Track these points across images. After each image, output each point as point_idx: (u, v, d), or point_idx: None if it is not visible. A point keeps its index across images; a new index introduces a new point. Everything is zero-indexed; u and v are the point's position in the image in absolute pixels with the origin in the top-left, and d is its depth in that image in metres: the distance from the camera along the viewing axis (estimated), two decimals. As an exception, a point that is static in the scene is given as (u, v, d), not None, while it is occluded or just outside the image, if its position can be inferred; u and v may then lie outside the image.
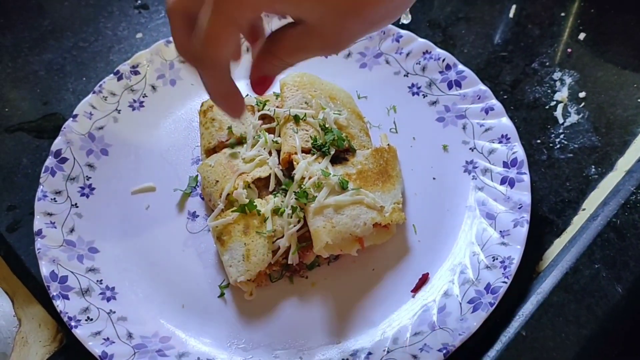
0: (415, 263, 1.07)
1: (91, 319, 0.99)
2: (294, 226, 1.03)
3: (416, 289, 1.04)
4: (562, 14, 1.42)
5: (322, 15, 0.66)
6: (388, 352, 0.96)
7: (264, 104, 1.18)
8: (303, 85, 1.19)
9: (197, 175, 1.19)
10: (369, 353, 0.97)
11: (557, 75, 1.32)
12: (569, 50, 1.36)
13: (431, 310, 0.99)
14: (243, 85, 1.30)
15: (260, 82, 0.79)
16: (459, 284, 1.01)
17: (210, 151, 1.18)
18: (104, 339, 0.97)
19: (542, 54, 1.36)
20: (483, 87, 1.21)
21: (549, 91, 1.30)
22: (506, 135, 1.14)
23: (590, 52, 1.35)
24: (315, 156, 1.09)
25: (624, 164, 1.17)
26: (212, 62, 0.71)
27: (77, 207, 1.13)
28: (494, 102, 1.18)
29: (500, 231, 1.04)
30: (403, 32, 1.30)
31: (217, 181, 1.10)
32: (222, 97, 0.80)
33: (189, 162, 1.22)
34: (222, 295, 1.06)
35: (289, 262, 1.03)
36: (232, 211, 1.05)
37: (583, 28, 1.39)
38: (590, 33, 1.38)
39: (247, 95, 1.24)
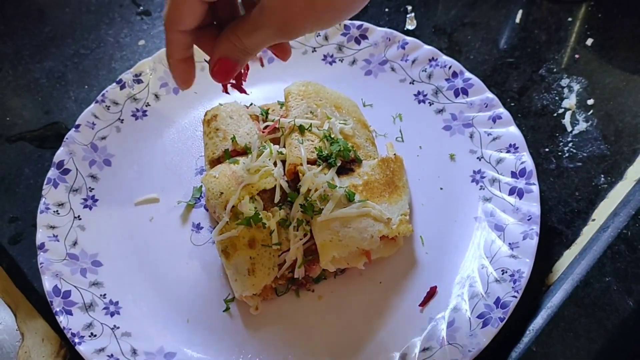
0: (423, 276, 1.05)
1: (95, 335, 0.98)
2: (300, 239, 1.02)
3: (424, 303, 1.02)
4: (569, 19, 1.40)
5: None
6: (396, 367, 0.95)
7: (267, 114, 1.17)
8: (308, 94, 1.18)
9: (201, 186, 1.18)
10: (377, 368, 0.96)
11: (564, 81, 1.30)
12: (577, 55, 1.34)
13: (440, 325, 0.98)
14: (243, 96, 1.30)
15: (221, 66, 0.82)
16: (468, 298, 1.00)
17: (214, 162, 1.16)
18: (108, 356, 0.96)
19: (549, 60, 1.34)
20: (490, 95, 1.19)
21: (556, 98, 1.28)
22: (514, 144, 1.13)
23: (598, 58, 1.34)
24: (321, 167, 1.08)
25: (633, 172, 1.16)
26: (169, 21, 0.78)
27: (80, 219, 1.12)
28: (501, 110, 1.17)
29: (510, 243, 1.03)
30: (408, 38, 1.28)
31: (222, 193, 1.08)
32: (173, 63, 0.86)
33: (193, 173, 1.21)
34: (227, 309, 1.05)
35: (295, 276, 1.02)
36: (237, 224, 1.04)
37: (590, 33, 1.37)
38: (598, 38, 1.36)
39: (252, 104, 1.23)
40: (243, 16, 0.78)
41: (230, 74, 0.82)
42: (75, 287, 1.03)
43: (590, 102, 1.26)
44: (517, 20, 1.42)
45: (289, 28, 0.75)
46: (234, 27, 0.78)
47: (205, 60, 1.29)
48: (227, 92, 0.98)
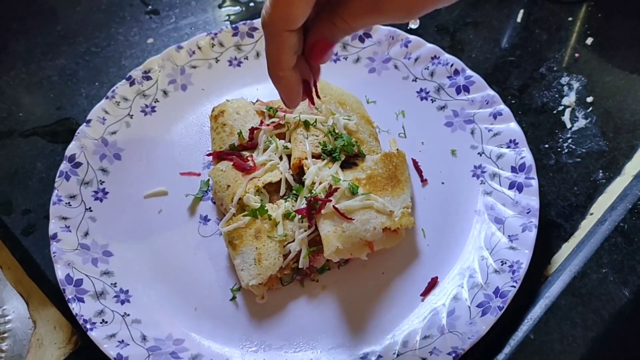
0: (425, 267, 1.08)
1: (106, 322, 1.01)
2: (305, 231, 1.05)
3: (425, 293, 1.05)
4: (570, 19, 1.43)
5: None
6: (398, 355, 0.97)
7: (276, 111, 1.20)
8: (313, 90, 1.20)
9: (208, 180, 1.21)
10: (379, 356, 0.98)
11: (564, 80, 1.33)
12: (577, 54, 1.37)
13: (440, 313, 1.01)
14: (253, 90, 1.33)
15: (317, 47, 0.74)
16: (468, 288, 1.02)
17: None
18: (119, 342, 0.99)
19: (550, 59, 1.37)
20: (491, 92, 1.22)
21: (556, 96, 1.31)
22: (514, 140, 1.15)
23: (597, 57, 1.36)
24: (325, 161, 1.11)
25: (631, 168, 1.18)
26: (279, 19, 0.67)
27: (91, 211, 1.15)
28: (502, 107, 1.19)
29: (509, 235, 1.05)
30: (411, 37, 1.31)
31: (229, 185, 1.11)
32: (284, 76, 0.75)
33: (201, 167, 1.24)
34: (233, 298, 1.08)
35: (300, 266, 1.05)
36: (244, 215, 1.07)
37: (590, 33, 1.40)
38: (598, 38, 1.39)
39: (257, 100, 1.26)
40: None
41: (329, 54, 0.76)
42: (86, 275, 1.06)
43: (589, 99, 1.29)
44: (519, 19, 1.45)
45: (415, 4, 0.67)
46: (341, 9, 0.70)
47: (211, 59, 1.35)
48: (313, 104, 0.94)
